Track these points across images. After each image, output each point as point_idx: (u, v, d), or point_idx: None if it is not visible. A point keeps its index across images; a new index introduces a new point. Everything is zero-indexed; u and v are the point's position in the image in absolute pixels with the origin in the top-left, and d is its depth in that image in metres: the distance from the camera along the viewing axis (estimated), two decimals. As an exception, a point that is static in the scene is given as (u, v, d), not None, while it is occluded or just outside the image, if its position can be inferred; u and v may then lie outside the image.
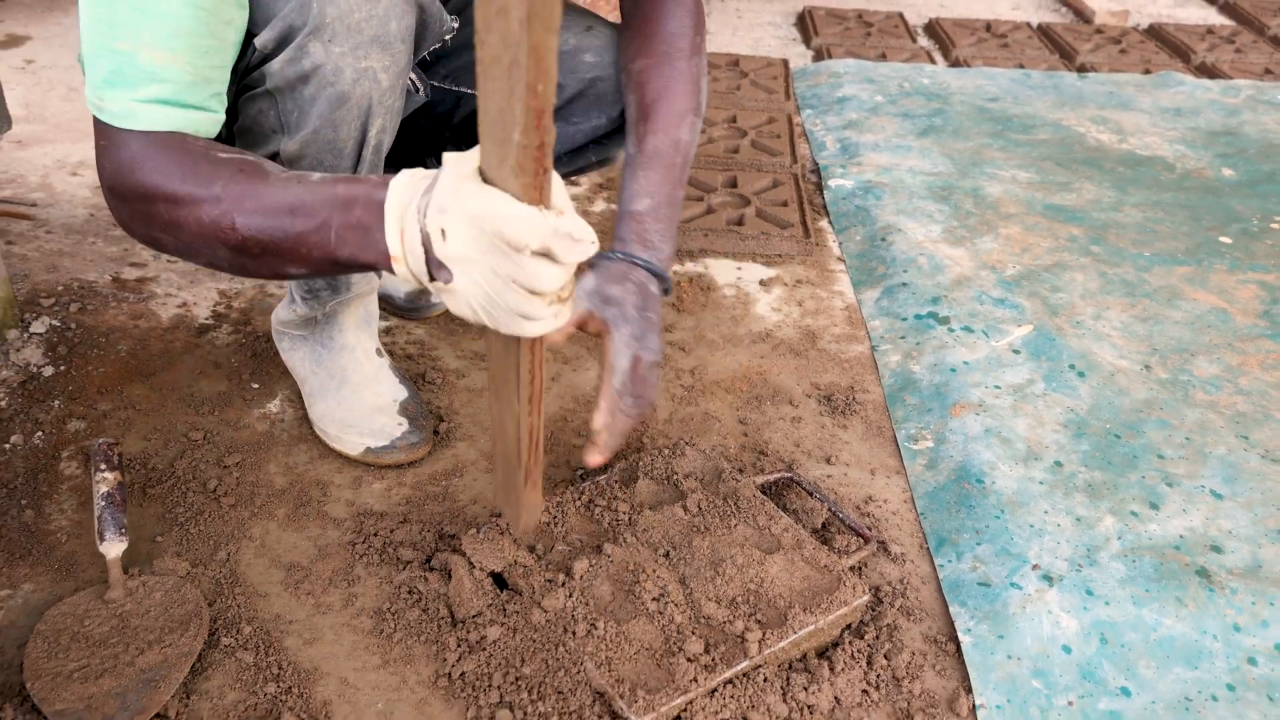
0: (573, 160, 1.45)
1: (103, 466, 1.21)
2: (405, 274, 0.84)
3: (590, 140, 1.41)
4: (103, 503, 1.17)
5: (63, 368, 1.48)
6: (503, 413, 0.92)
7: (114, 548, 1.14)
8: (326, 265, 0.91)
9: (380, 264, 0.86)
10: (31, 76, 2.47)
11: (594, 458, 1.11)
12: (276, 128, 1.11)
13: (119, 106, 0.94)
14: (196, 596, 1.12)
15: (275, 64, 1.05)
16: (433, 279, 0.81)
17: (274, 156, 1.13)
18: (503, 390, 0.89)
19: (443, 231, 0.77)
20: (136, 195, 0.96)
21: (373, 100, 1.10)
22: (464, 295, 0.78)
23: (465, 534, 1.17)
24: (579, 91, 1.35)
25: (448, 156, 0.78)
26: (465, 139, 1.45)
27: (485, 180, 0.75)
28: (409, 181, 0.84)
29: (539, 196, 0.71)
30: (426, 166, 0.87)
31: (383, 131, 1.15)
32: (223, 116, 1.01)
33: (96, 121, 0.97)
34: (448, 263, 0.78)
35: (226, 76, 1.02)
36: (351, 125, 1.11)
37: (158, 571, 1.18)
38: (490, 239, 0.73)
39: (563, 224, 0.72)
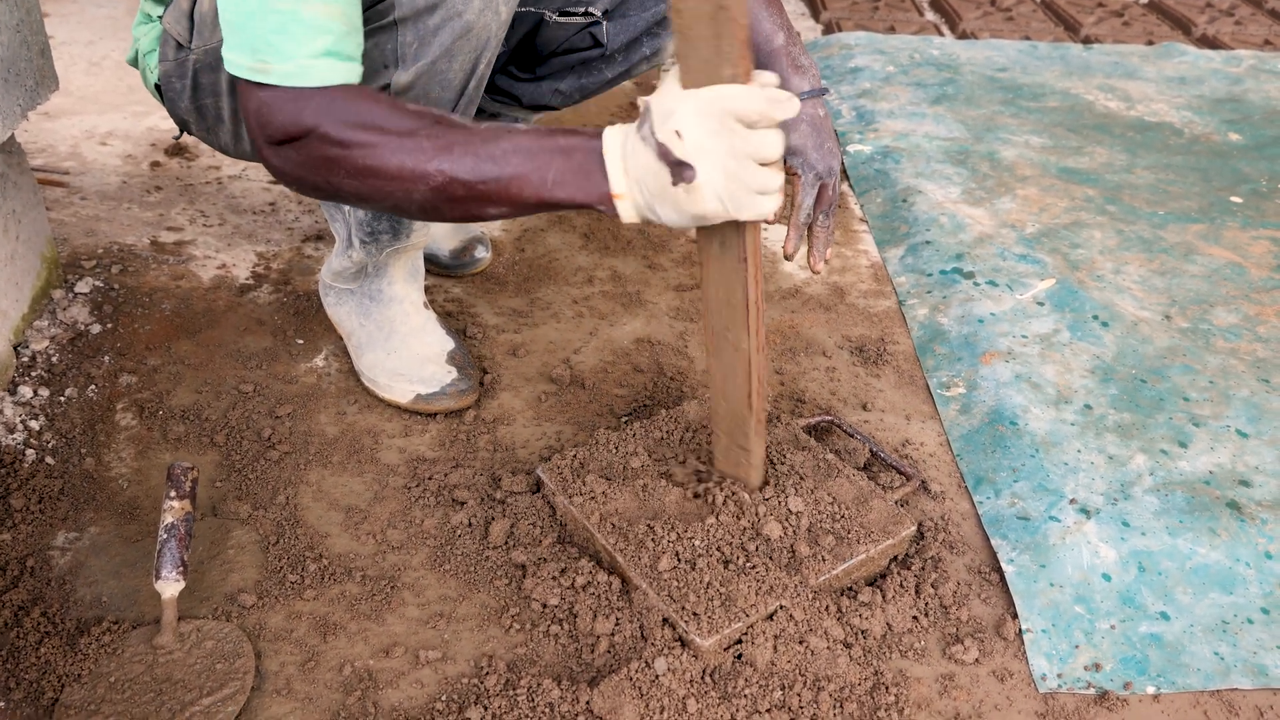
0: (627, 57, 1.48)
1: (173, 494, 1.11)
2: (628, 210, 0.92)
3: (646, 31, 1.45)
4: (164, 535, 1.08)
5: (109, 325, 1.50)
6: (730, 361, 1.03)
7: (169, 587, 1.05)
8: (531, 207, 0.96)
9: (598, 203, 0.93)
10: (53, 52, 2.47)
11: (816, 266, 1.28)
12: (389, 62, 1.11)
13: (291, 66, 0.94)
14: (247, 651, 1.04)
15: None
16: (674, 185, 0.87)
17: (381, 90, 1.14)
18: (728, 331, 1.00)
19: (677, 133, 0.85)
20: (323, 143, 0.96)
21: (491, 33, 1.12)
22: (709, 186, 0.86)
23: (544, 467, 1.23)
24: None
25: (649, 99, 0.88)
26: (521, 54, 1.52)
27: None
28: (617, 128, 0.93)
29: (748, 78, 0.84)
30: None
31: (489, 65, 1.17)
32: (362, 67, 1.02)
33: (249, 85, 0.97)
34: (689, 159, 0.86)
35: (362, 24, 1.02)
36: (467, 57, 1.12)
37: (223, 515, 1.21)
38: (721, 121, 0.84)
39: (772, 91, 0.84)
